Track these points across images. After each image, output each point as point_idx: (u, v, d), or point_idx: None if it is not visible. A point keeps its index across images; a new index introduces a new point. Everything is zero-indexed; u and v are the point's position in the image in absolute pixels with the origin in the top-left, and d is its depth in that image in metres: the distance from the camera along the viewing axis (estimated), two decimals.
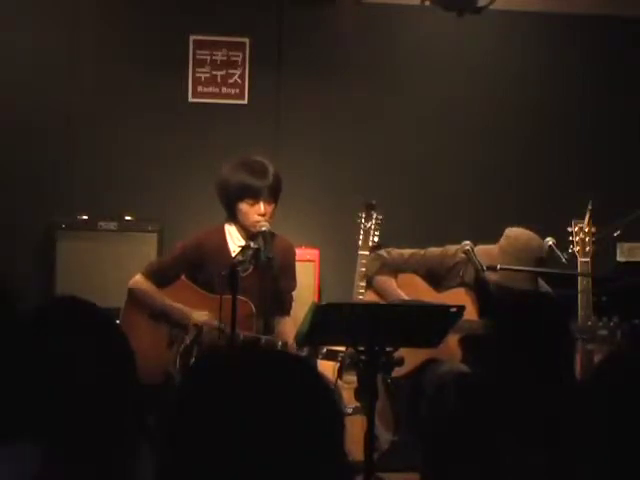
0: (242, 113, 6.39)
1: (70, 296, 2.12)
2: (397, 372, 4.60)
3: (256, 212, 4.62)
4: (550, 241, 4.92)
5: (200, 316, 4.59)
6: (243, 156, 4.77)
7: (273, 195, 4.65)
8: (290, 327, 4.69)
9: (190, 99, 6.35)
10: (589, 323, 4.64)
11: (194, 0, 6.34)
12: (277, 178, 4.67)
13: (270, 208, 4.65)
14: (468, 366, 4.80)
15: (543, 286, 5.04)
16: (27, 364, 2.00)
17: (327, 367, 4.58)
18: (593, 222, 4.86)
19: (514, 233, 4.97)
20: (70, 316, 2.06)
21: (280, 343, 4.49)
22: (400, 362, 3.98)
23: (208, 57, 6.36)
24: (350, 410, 4.69)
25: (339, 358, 4.32)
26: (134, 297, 4.69)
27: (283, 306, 4.77)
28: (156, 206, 6.17)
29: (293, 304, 4.82)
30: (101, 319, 2.09)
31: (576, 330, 4.59)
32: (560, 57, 6.62)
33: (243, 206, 4.64)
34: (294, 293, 4.85)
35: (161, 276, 4.71)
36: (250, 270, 4.66)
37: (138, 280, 4.71)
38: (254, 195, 4.60)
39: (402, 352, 4.04)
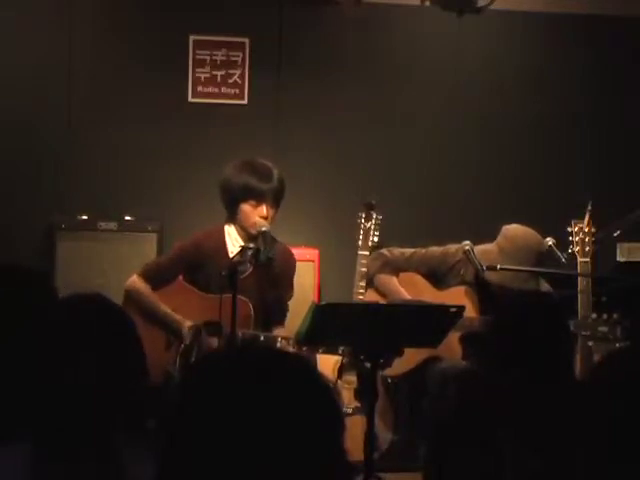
0: (242, 113, 6.38)
1: (83, 294, 2.12)
2: (398, 371, 4.61)
3: (258, 214, 4.62)
4: (550, 241, 4.92)
5: (189, 330, 4.57)
6: (247, 158, 4.78)
7: (276, 199, 4.66)
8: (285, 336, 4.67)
9: (190, 99, 6.35)
10: (589, 320, 4.64)
11: (194, 0, 6.34)
12: (281, 182, 4.68)
13: (272, 212, 4.66)
14: (469, 363, 4.81)
15: (544, 285, 5.04)
16: (28, 363, 2.00)
17: (327, 367, 4.59)
18: (593, 222, 4.86)
19: (511, 232, 4.98)
20: (75, 315, 2.06)
21: (280, 339, 4.49)
22: (400, 352, 3.98)
23: (208, 57, 6.35)
24: (350, 410, 4.69)
25: (340, 352, 4.30)
26: (130, 299, 4.68)
27: (279, 314, 4.77)
28: (156, 206, 6.17)
29: (288, 314, 4.81)
30: (114, 319, 2.09)
31: (576, 327, 4.59)
32: (560, 57, 6.62)
33: (245, 207, 4.64)
34: (290, 302, 4.84)
35: (158, 277, 4.70)
36: (249, 271, 4.66)
37: (135, 281, 4.71)
38: (258, 197, 4.61)
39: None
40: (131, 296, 4.68)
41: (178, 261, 4.75)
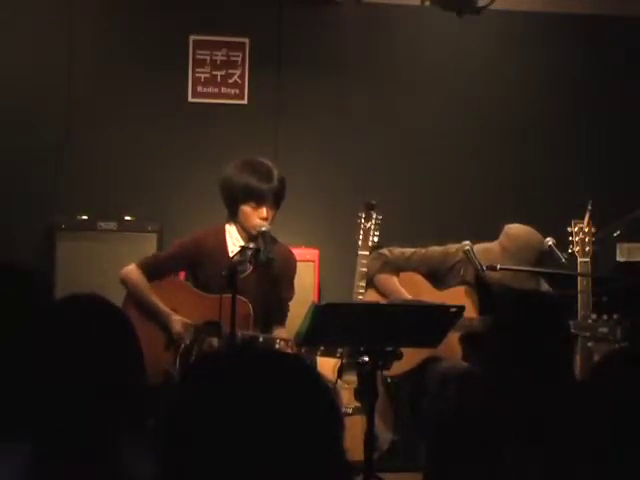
0: (242, 113, 6.38)
1: (81, 294, 2.12)
2: (398, 371, 4.61)
3: (258, 215, 4.62)
4: (550, 241, 4.92)
5: (177, 324, 4.58)
6: (248, 157, 4.78)
7: (277, 200, 4.66)
8: (284, 337, 4.67)
9: (190, 99, 6.35)
10: (589, 321, 4.64)
11: (194, 0, 6.34)
12: (282, 183, 4.68)
13: (272, 213, 4.66)
14: (468, 364, 4.81)
15: (544, 285, 5.05)
16: (28, 363, 2.00)
17: (327, 367, 4.59)
18: (593, 222, 4.86)
19: (514, 230, 4.99)
20: (73, 315, 2.06)
21: (279, 341, 4.50)
22: (399, 356, 3.98)
23: (208, 57, 6.35)
24: (350, 410, 4.69)
25: (338, 354, 4.31)
26: (125, 288, 4.71)
27: (279, 315, 4.77)
28: (156, 206, 6.17)
29: (288, 315, 4.82)
30: (113, 319, 2.09)
31: (576, 327, 4.59)
32: (560, 57, 6.62)
33: (246, 208, 4.64)
34: (291, 302, 4.84)
35: (155, 271, 4.72)
36: (249, 271, 4.66)
37: (132, 270, 4.73)
38: (258, 199, 4.61)
39: (402, 349, 4.05)
40: (125, 284, 4.70)
41: (178, 257, 4.77)
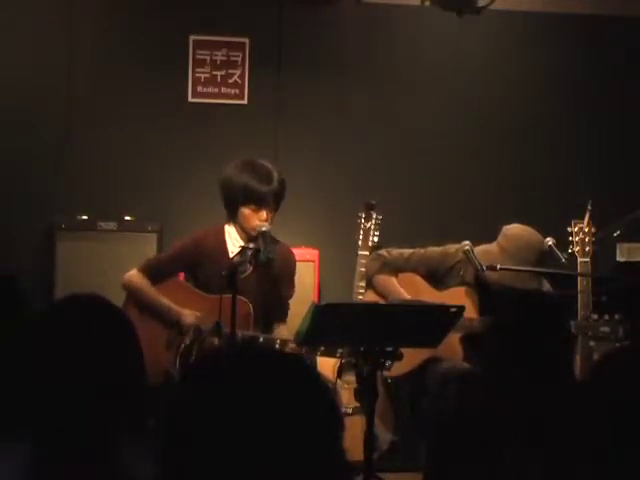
0: (242, 113, 6.38)
1: (81, 294, 2.13)
2: (398, 371, 4.61)
3: (258, 218, 4.62)
4: (550, 241, 4.92)
5: (189, 316, 4.59)
6: (248, 158, 4.77)
7: (276, 202, 4.66)
8: (285, 334, 4.69)
9: (190, 99, 6.35)
10: (591, 320, 4.64)
11: (194, 0, 6.34)
12: (282, 184, 4.68)
13: (272, 214, 4.66)
14: (469, 364, 4.81)
15: (545, 285, 5.04)
16: (28, 363, 2.00)
17: (327, 367, 4.59)
18: (593, 222, 4.86)
19: (512, 231, 4.98)
20: (73, 315, 2.06)
21: (279, 341, 4.50)
22: (400, 356, 3.98)
23: (208, 57, 6.35)
24: (350, 410, 4.69)
25: (338, 354, 4.31)
26: (128, 292, 4.71)
27: (280, 312, 4.77)
28: (156, 206, 6.17)
29: (289, 312, 4.82)
30: (113, 319, 2.09)
31: (577, 327, 4.59)
32: (560, 57, 6.62)
33: (245, 210, 4.64)
34: (291, 301, 4.85)
35: (157, 273, 4.72)
36: (249, 271, 4.67)
37: (133, 274, 4.73)
38: (258, 201, 4.61)
39: (402, 349, 4.05)
40: (128, 290, 4.70)
41: (178, 258, 4.77)
